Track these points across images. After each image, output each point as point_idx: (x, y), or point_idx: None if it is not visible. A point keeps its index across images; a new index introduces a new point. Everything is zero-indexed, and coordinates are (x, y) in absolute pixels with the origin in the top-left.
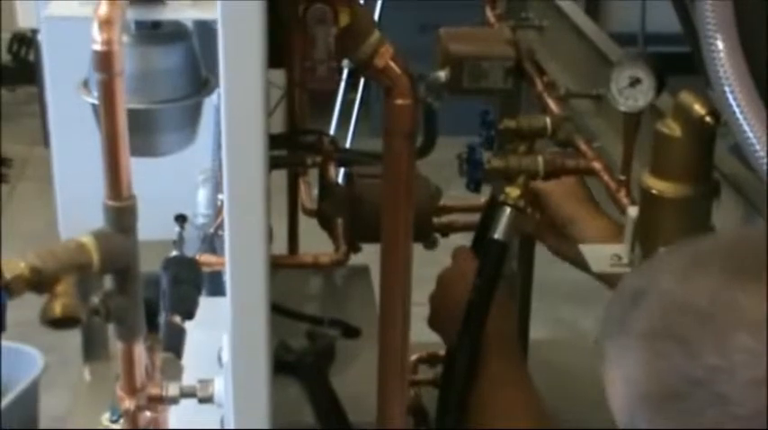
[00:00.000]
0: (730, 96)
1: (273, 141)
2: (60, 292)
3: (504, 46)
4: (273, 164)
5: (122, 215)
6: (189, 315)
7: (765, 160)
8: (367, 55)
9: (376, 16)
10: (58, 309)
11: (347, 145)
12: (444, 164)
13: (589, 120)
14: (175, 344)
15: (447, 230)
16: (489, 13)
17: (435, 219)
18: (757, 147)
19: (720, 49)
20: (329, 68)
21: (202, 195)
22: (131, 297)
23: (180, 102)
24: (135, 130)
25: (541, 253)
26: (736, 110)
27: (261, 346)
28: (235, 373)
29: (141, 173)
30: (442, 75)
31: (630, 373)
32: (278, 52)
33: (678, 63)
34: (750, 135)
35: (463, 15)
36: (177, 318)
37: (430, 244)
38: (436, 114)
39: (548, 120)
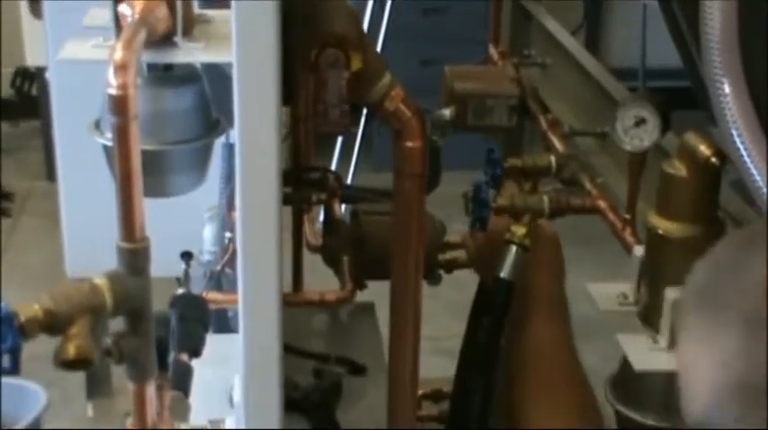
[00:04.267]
0: (738, 140)
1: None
2: (74, 334)
3: (508, 84)
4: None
5: (136, 257)
6: (196, 353)
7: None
8: (378, 98)
9: (378, 50)
10: (72, 350)
11: (349, 180)
12: (447, 198)
13: (593, 157)
14: (183, 382)
15: (451, 267)
16: (492, 51)
17: (440, 256)
18: (764, 190)
19: (727, 92)
20: (341, 111)
21: (209, 232)
22: (144, 338)
23: (191, 143)
24: (146, 171)
25: None
26: (744, 153)
27: (273, 386)
28: (247, 413)
29: (146, 209)
30: (447, 112)
31: (727, 358)
32: (284, 90)
33: (679, 97)
34: (757, 178)
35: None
36: (185, 356)
37: (434, 280)
38: (441, 151)
39: (552, 158)
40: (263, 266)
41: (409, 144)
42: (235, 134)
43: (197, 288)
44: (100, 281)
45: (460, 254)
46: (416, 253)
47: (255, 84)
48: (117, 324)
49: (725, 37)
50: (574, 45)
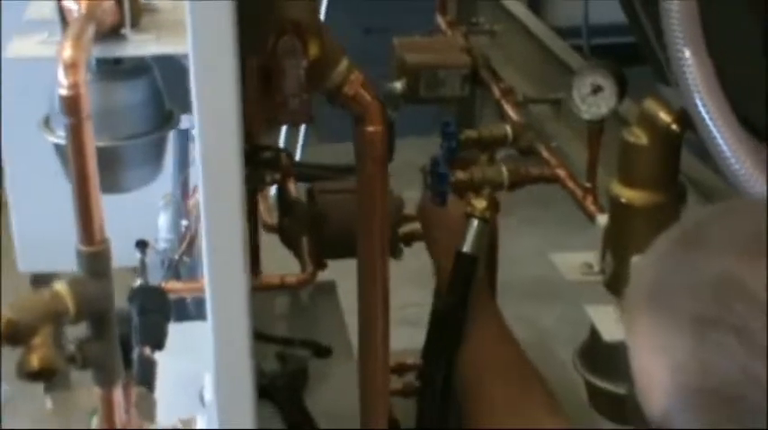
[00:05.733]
0: (700, 103)
1: None
2: (37, 345)
3: (459, 54)
4: None
5: (96, 260)
6: (159, 345)
7: (737, 167)
8: (336, 83)
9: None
10: (35, 361)
11: (297, 154)
12: (400, 167)
13: (548, 124)
14: (147, 377)
15: (410, 239)
16: (440, 20)
17: (399, 230)
18: (728, 154)
19: (688, 58)
20: (301, 101)
21: (164, 220)
22: (109, 342)
23: (145, 137)
24: (100, 168)
25: (502, 250)
26: (706, 116)
27: (246, 381)
28: (220, 408)
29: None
30: (399, 85)
31: (679, 362)
32: None
33: (623, 54)
34: (720, 142)
35: (408, 19)
36: (148, 350)
37: (396, 254)
38: (393, 125)
39: (508, 128)
40: (229, 254)
41: (371, 128)
42: (188, 120)
43: (154, 277)
44: (61, 287)
45: (418, 226)
46: (382, 235)
47: (213, 78)
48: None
49: (685, 6)
50: (521, 10)
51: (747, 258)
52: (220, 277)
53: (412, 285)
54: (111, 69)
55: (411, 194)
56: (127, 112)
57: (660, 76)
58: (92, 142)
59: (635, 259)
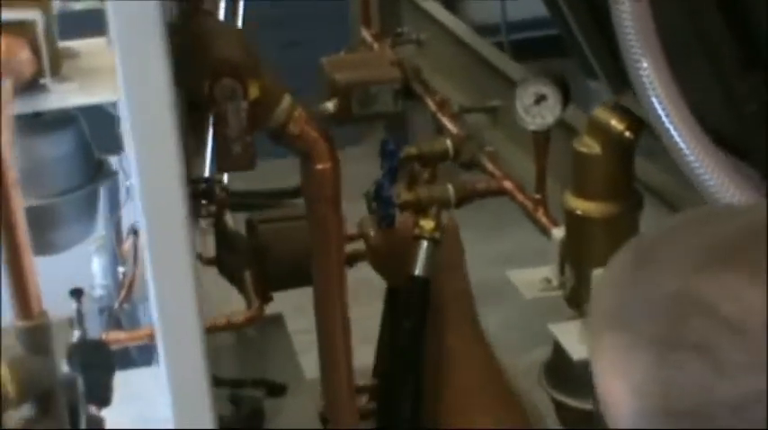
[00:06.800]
0: (663, 114)
1: None
2: None
3: (389, 68)
4: None
5: (36, 335)
6: (105, 402)
7: (707, 177)
8: (280, 122)
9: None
10: None
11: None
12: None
13: (487, 132)
14: None
15: (353, 260)
16: (365, 33)
17: None
18: (696, 164)
19: (647, 68)
20: (244, 144)
21: (97, 265)
22: (57, 419)
23: (75, 191)
24: (30, 230)
25: None
26: (671, 127)
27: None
28: None
29: None
30: (330, 105)
31: (640, 384)
32: None
33: (543, 48)
34: (677, 138)
35: (329, 32)
36: (95, 409)
37: None
38: None
39: (448, 142)
40: (182, 294)
41: (320, 166)
42: (115, 162)
43: (91, 326)
44: (2, 371)
45: (361, 246)
46: (339, 273)
47: (151, 127)
48: None
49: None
50: (444, 14)
51: (702, 272)
52: (172, 324)
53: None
54: (33, 122)
55: (348, 207)
56: (53, 167)
57: (586, 70)
58: (20, 209)
59: (595, 272)
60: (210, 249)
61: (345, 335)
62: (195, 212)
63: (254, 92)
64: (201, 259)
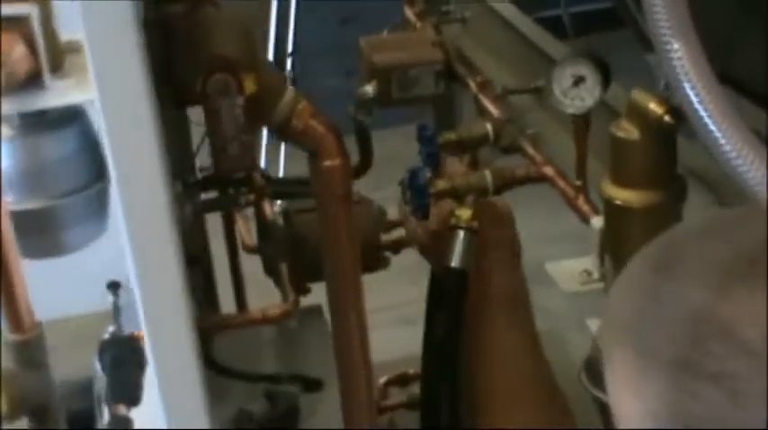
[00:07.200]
0: (696, 100)
1: (203, 184)
2: None
3: (430, 49)
4: (206, 207)
5: (29, 349)
6: (134, 401)
7: (744, 168)
8: (283, 117)
9: (293, 12)
10: None
11: (281, 168)
12: (379, 161)
13: (531, 115)
14: None
15: (398, 247)
16: (409, 12)
17: (384, 237)
18: (722, 142)
19: (678, 49)
20: (241, 144)
21: None
22: None
23: (82, 192)
24: (35, 232)
25: None
26: (699, 106)
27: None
28: None
29: None
30: (370, 89)
31: (654, 408)
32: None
33: (600, 19)
34: (713, 128)
35: (384, 6)
36: (123, 409)
37: (383, 264)
38: (369, 131)
39: (488, 125)
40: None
41: (327, 163)
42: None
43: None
44: None
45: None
46: (353, 275)
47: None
48: None
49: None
50: None
51: (721, 291)
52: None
53: (400, 282)
54: (36, 122)
55: (392, 190)
56: (58, 167)
57: (644, 44)
58: (7, 221)
59: None
60: (254, 237)
61: (362, 336)
62: (232, 202)
63: (250, 86)
64: (244, 246)
